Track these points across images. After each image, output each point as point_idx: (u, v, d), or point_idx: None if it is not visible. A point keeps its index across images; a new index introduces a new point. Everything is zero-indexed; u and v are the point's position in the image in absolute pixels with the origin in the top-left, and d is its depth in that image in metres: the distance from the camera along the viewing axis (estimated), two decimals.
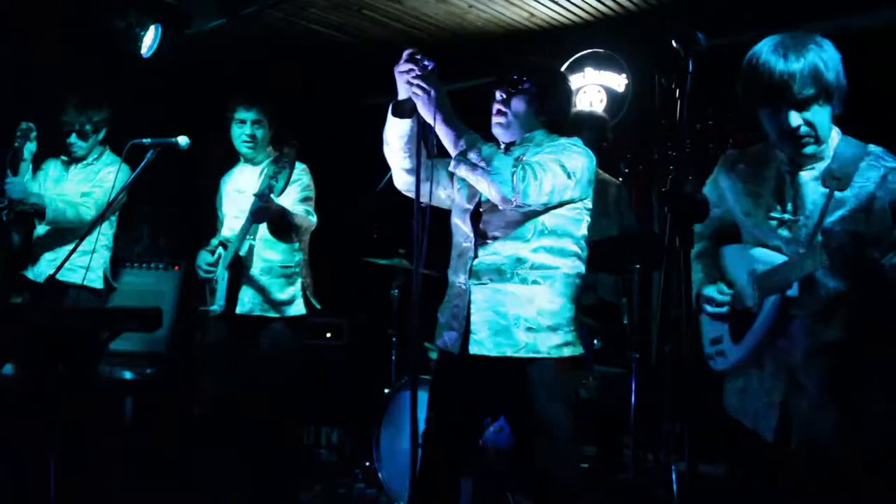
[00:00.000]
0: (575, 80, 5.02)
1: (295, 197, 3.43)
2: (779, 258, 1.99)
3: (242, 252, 3.27)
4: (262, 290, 3.34)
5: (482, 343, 2.31)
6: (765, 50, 1.96)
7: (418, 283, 2.25)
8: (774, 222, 2.01)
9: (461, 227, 2.46)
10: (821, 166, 1.99)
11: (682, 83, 1.72)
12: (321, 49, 5.22)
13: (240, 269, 3.31)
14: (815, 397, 1.95)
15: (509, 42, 5.02)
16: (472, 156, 2.22)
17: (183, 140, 3.18)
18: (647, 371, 3.63)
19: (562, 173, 2.28)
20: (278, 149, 3.46)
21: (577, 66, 5.01)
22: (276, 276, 3.38)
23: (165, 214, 5.17)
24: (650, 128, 4.95)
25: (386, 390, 3.83)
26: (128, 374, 4.10)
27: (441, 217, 2.56)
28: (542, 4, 4.48)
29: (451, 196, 2.54)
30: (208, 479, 3.44)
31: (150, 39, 4.57)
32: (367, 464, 3.94)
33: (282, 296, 3.38)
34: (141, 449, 4.08)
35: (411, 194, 2.49)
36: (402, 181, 2.51)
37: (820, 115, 1.92)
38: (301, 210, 3.39)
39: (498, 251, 2.34)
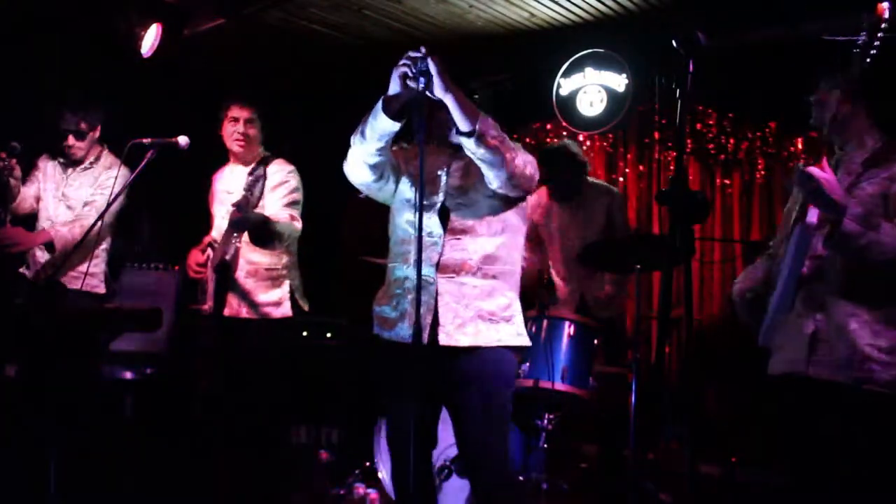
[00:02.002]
0: (575, 80, 5.02)
1: (280, 202, 3.37)
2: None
3: (228, 255, 3.25)
4: (247, 293, 3.31)
5: (451, 334, 2.42)
6: None
7: (419, 282, 2.26)
8: None
9: (423, 222, 2.44)
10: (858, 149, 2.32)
11: (682, 83, 1.73)
12: (321, 49, 5.22)
13: (226, 272, 3.29)
14: (835, 329, 2.18)
15: (509, 42, 5.03)
16: (491, 132, 2.28)
17: (183, 140, 3.18)
18: (647, 371, 3.63)
19: (530, 164, 2.44)
20: (266, 154, 3.45)
21: (577, 66, 5.02)
22: (262, 279, 3.35)
23: (165, 214, 5.17)
24: (650, 128, 4.96)
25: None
26: (128, 374, 4.10)
27: None
28: (542, 4, 4.48)
29: (391, 191, 2.58)
30: (207, 479, 3.44)
31: (150, 39, 4.58)
32: (367, 464, 3.94)
33: (267, 298, 3.35)
34: (141, 449, 4.09)
35: (363, 188, 2.56)
36: (359, 175, 2.52)
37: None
38: (285, 215, 3.33)
39: (466, 247, 2.45)
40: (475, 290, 2.44)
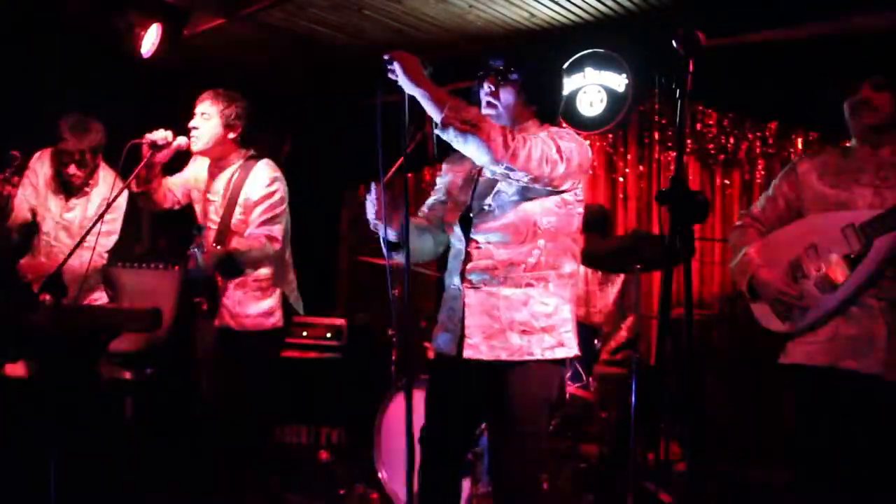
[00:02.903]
0: (575, 80, 5.02)
1: (258, 220, 3.20)
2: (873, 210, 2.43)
3: (210, 271, 3.14)
4: (236, 305, 3.22)
5: (477, 347, 2.32)
6: None
7: (408, 285, 2.28)
8: (864, 189, 2.48)
9: (455, 230, 2.46)
10: (892, 155, 2.50)
11: (682, 83, 1.72)
12: (321, 49, 5.22)
13: (214, 283, 3.22)
14: None
15: (509, 42, 5.02)
16: (462, 116, 2.17)
17: (182, 140, 3.17)
18: (647, 371, 3.63)
19: (552, 147, 2.25)
20: (249, 154, 3.33)
21: (577, 66, 5.01)
22: (251, 290, 3.24)
23: (165, 214, 5.17)
24: (650, 128, 4.96)
25: (386, 390, 3.83)
26: (128, 375, 4.09)
27: None
28: (542, 4, 4.48)
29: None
30: (207, 479, 3.44)
31: (150, 39, 4.58)
32: (368, 464, 3.94)
33: (257, 309, 3.24)
34: (141, 449, 4.08)
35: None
36: (425, 255, 2.64)
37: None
38: (260, 234, 3.15)
39: (491, 255, 2.34)
40: (506, 300, 2.32)
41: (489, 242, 2.35)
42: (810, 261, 2.50)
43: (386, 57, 2.23)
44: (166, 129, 3.18)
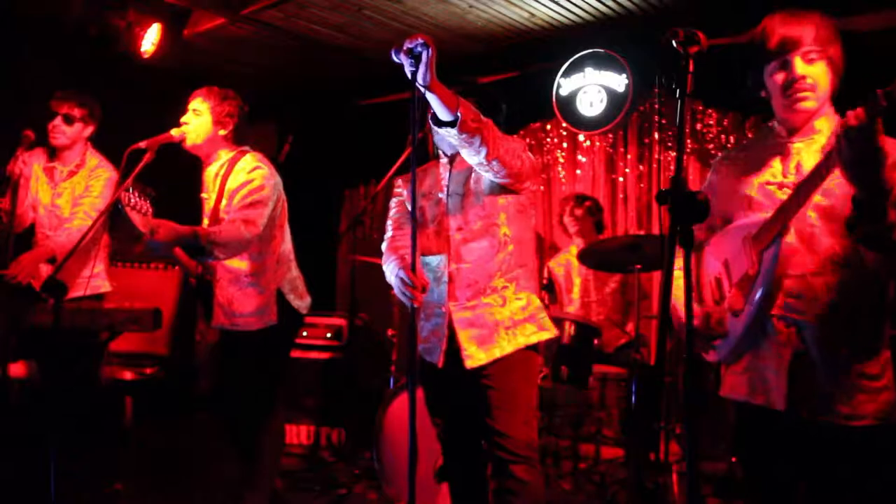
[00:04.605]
0: (575, 80, 5.03)
1: (237, 203, 3.08)
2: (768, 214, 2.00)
3: (200, 268, 3.09)
4: (229, 303, 3.15)
5: (474, 356, 2.46)
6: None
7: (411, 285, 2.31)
8: (772, 187, 2.03)
9: (432, 249, 2.57)
10: (820, 139, 2.01)
11: (682, 83, 1.71)
12: (321, 49, 5.22)
13: (208, 284, 3.16)
14: (818, 359, 1.94)
15: (509, 42, 5.03)
16: (472, 115, 2.28)
17: (176, 132, 3.13)
18: (647, 371, 3.63)
19: (519, 146, 2.46)
20: (239, 148, 3.26)
21: (577, 66, 5.02)
22: (244, 286, 3.15)
23: (164, 213, 5.17)
24: (650, 128, 4.96)
25: (386, 390, 3.83)
26: (128, 375, 4.10)
27: None
28: (542, 4, 4.48)
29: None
30: (207, 479, 3.44)
31: (150, 39, 4.58)
32: (367, 464, 3.94)
33: (248, 307, 3.14)
34: (141, 449, 4.09)
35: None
36: None
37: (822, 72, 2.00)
38: (236, 218, 3.03)
39: (472, 270, 2.50)
40: (489, 307, 2.49)
41: (469, 258, 2.51)
42: (725, 279, 2.12)
43: (420, 41, 2.08)
44: (164, 130, 3.16)
